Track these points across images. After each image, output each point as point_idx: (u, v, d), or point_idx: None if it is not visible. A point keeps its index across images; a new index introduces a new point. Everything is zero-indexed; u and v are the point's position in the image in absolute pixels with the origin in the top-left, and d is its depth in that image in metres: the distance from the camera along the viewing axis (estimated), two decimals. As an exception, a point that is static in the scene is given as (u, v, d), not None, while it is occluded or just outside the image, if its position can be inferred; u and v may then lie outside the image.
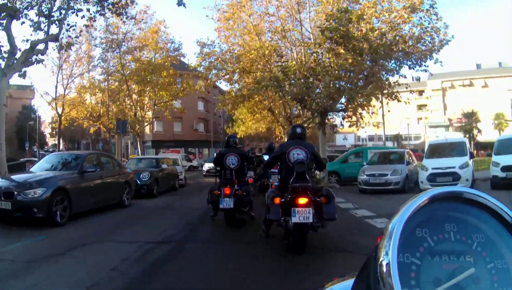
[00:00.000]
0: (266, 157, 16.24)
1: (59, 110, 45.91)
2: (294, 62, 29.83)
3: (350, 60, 24.93)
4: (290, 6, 32.40)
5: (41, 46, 21.14)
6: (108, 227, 12.88)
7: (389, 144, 66.16)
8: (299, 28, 31.77)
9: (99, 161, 16.97)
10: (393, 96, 28.40)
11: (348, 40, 23.89)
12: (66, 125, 52.52)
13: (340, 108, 29.15)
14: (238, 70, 36.35)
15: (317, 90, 27.58)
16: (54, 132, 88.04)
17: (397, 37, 25.01)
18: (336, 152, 51.04)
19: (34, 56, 20.79)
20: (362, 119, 30.33)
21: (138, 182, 21.33)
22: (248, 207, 13.07)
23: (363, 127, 32.95)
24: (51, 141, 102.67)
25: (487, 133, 78.39)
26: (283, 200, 8.85)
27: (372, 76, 25.62)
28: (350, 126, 31.72)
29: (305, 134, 10.17)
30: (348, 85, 26.24)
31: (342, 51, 25.07)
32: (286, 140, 12.11)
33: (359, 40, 24.23)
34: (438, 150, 23.31)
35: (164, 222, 13.94)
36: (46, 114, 67.04)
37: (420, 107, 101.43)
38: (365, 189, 22.46)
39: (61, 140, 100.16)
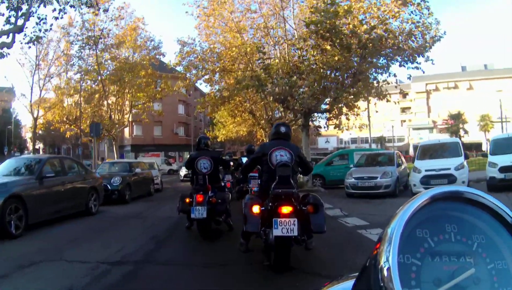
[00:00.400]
0: (245, 160, 14.52)
1: (35, 113, 44.17)
2: (277, 61, 28.52)
3: (336, 57, 23.34)
4: (273, 3, 31.12)
5: (7, 39, 19.80)
6: (65, 240, 11.25)
7: (373, 146, 65.31)
8: (283, 25, 30.25)
9: (62, 166, 15.43)
10: (382, 95, 26.82)
11: (335, 34, 22.38)
12: (43, 129, 51.02)
13: (324, 109, 27.64)
14: (218, 69, 35.06)
15: (301, 90, 26.14)
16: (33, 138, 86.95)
17: (386, 33, 23.62)
18: (319, 155, 50.15)
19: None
20: (348, 119, 29.11)
21: (109, 187, 20.31)
22: (224, 216, 11.75)
23: (347, 130, 31.82)
24: (31, 145, 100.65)
25: (472, 135, 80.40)
26: (263, 208, 7.59)
27: (360, 74, 24.06)
28: (334, 127, 30.36)
29: (290, 134, 8.88)
30: (334, 83, 24.76)
31: (328, 47, 23.55)
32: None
33: (347, 34, 22.80)
34: (430, 151, 22.16)
35: (128, 234, 12.30)
36: (26, 118, 65.80)
37: (404, 109, 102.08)
38: (353, 193, 21.09)
39: (41, 145, 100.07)
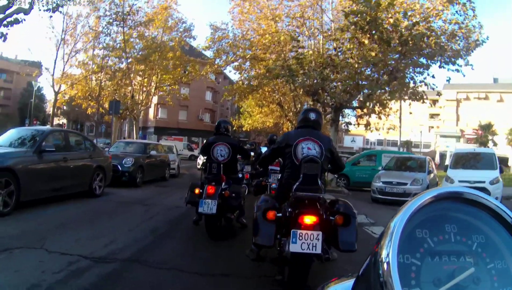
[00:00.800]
0: (264, 150, 12.69)
1: (56, 87, 43.12)
2: (310, 52, 27.10)
3: (373, 53, 21.92)
4: (312, -7, 29.46)
5: (24, 6, 18.73)
6: (54, 224, 9.90)
7: (395, 150, 63.81)
8: (320, 17, 28.97)
9: (66, 141, 14.15)
10: (419, 96, 25.10)
11: (375, 27, 20.82)
12: (64, 104, 50.15)
13: (356, 105, 26.27)
14: (249, 56, 33.71)
15: (333, 84, 24.67)
16: (59, 112, 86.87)
17: (429, 31, 21.98)
18: (343, 154, 48.53)
19: (15, 15, 18.48)
20: (380, 118, 27.70)
21: (120, 168, 19.14)
22: (237, 213, 10.23)
23: (376, 130, 30.14)
24: (55, 120, 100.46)
25: (499, 148, 76.91)
26: (279, 215, 5.84)
27: (397, 72, 22.46)
28: (365, 126, 28.77)
29: (320, 122, 7.05)
30: (369, 80, 23.23)
31: (366, 41, 22.17)
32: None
33: (387, 29, 21.30)
34: (464, 160, 20.78)
35: (126, 224, 10.76)
36: (51, 92, 65.91)
37: (433, 116, 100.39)
38: (379, 199, 19.53)
39: (64, 121, 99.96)
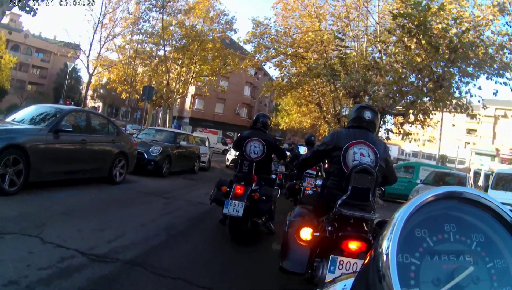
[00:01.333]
0: (303, 150, 12.20)
1: (91, 69, 42.70)
2: (354, 53, 26.03)
3: (419, 59, 20.83)
4: (358, -5, 28.48)
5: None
6: (61, 210, 8.99)
7: (433, 163, 62.23)
8: (365, 19, 27.69)
9: (88, 122, 13.31)
10: (464, 107, 23.59)
11: (424, 31, 19.59)
12: (99, 86, 49.94)
13: (398, 112, 24.98)
14: (290, 53, 33.09)
15: (375, 87, 23.61)
16: (95, 95, 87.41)
17: (478, 40, 20.73)
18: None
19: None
20: (423, 127, 26.52)
21: (146, 156, 18.27)
22: (265, 218, 9.19)
23: (415, 140, 28.96)
24: (91, 103, 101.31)
25: None
26: (317, 234, 4.63)
27: (443, 80, 21.19)
28: (404, 135, 27.51)
29: (376, 124, 5.79)
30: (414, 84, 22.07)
31: (413, 46, 21.05)
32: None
33: (436, 34, 20.06)
34: (505, 181, 19.16)
35: (139, 217, 9.77)
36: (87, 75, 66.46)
37: (469, 131, 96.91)
38: (416, 215, 18.11)
39: (100, 104, 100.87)
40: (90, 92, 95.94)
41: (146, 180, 16.71)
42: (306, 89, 38.09)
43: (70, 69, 52.22)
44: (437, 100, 21.04)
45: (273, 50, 33.39)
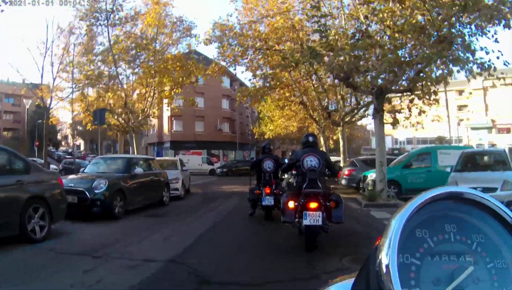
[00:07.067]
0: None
1: (47, 102, 39.30)
2: (334, 31, 20.78)
3: (419, 15, 16.67)
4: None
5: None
6: None
7: (447, 145, 58.39)
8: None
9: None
10: (486, 65, 18.04)
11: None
12: (53, 123, 46.58)
13: (400, 88, 20.04)
14: (259, 46, 29.85)
15: (370, 63, 18.50)
16: (75, 133, 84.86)
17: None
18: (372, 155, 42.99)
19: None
20: (436, 102, 23.16)
21: (88, 195, 14.03)
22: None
23: (417, 123, 28.43)
24: (72, 142, 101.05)
25: None
26: (296, 203, 9.51)
27: (444, 39, 16.56)
28: (393, 124, 23.27)
29: (317, 142, 10.98)
30: (416, 53, 17.48)
31: (407, 2, 16.65)
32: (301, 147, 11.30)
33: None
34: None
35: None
36: (64, 113, 64.21)
37: (460, 108, 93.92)
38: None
39: (82, 142, 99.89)
40: (70, 131, 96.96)
41: (89, 228, 12.85)
42: (285, 84, 35.62)
43: (28, 107, 49.07)
44: (455, 60, 16.29)
45: (240, 46, 30.09)
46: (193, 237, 11.32)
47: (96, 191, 14.18)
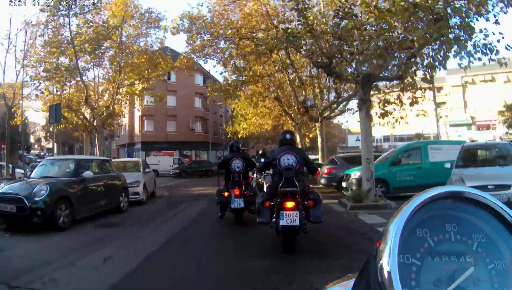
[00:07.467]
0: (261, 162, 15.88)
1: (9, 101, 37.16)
2: (312, 17, 19.15)
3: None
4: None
5: None
6: None
7: (437, 140, 57.19)
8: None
9: None
10: (489, 47, 16.06)
11: None
12: (16, 123, 44.50)
13: (389, 75, 17.85)
14: (230, 34, 28.03)
15: (355, 48, 16.31)
16: (47, 135, 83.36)
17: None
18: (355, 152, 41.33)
19: None
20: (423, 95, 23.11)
21: (27, 203, 12.07)
22: (254, 206, 11.98)
23: (400, 119, 26.26)
24: (45, 144, 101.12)
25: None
26: (272, 203, 9.31)
27: (441, 18, 14.41)
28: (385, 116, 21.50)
29: (294, 139, 10.91)
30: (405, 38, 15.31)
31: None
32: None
33: None
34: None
35: None
36: (37, 116, 62.54)
37: (439, 104, 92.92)
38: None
39: (55, 144, 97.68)
40: (43, 134, 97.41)
41: (23, 244, 10.80)
42: (259, 76, 33.82)
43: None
44: (456, 38, 14.07)
45: (209, 35, 28.52)
46: (142, 255, 9.11)
47: (35, 199, 12.20)
